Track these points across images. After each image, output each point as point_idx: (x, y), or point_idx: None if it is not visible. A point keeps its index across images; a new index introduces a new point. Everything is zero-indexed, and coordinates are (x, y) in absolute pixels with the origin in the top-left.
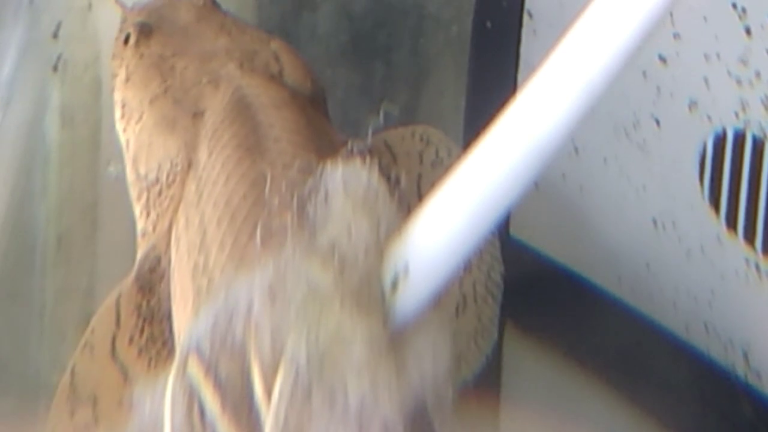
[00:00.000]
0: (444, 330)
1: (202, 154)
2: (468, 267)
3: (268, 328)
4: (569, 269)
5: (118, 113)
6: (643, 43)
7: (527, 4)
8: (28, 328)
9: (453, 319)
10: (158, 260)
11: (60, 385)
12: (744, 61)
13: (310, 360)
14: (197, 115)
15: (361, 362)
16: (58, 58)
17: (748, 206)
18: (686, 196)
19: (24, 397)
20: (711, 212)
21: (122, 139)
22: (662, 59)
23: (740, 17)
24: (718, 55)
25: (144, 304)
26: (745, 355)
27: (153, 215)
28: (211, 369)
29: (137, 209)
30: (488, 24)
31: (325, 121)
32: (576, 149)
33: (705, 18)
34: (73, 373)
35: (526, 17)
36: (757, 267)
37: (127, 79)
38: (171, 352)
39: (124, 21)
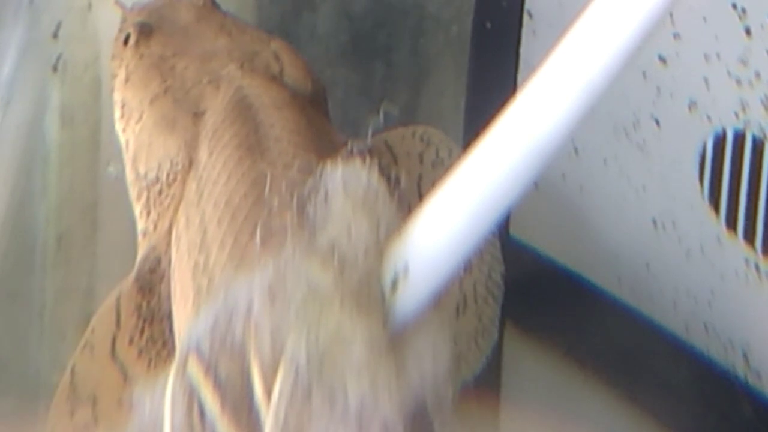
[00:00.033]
0: (444, 330)
1: (203, 154)
2: (468, 267)
3: (267, 328)
4: (569, 269)
5: (117, 113)
6: (643, 43)
7: (527, 4)
8: (28, 328)
9: (453, 319)
10: (158, 261)
11: (60, 385)
12: (744, 62)
13: (310, 360)
14: (198, 115)
15: (360, 362)
16: (58, 58)
17: (748, 206)
18: (686, 196)
19: (24, 397)
20: (711, 212)
21: (122, 139)
22: (662, 59)
23: (740, 17)
24: (718, 56)
25: (144, 304)
26: (745, 356)
27: (153, 214)
28: (210, 369)
29: (137, 209)
30: (488, 24)
31: (325, 121)
32: (576, 149)
33: (705, 18)
34: (73, 373)
35: (526, 17)
36: (757, 267)
37: (127, 80)
38: (171, 352)
39: (123, 21)
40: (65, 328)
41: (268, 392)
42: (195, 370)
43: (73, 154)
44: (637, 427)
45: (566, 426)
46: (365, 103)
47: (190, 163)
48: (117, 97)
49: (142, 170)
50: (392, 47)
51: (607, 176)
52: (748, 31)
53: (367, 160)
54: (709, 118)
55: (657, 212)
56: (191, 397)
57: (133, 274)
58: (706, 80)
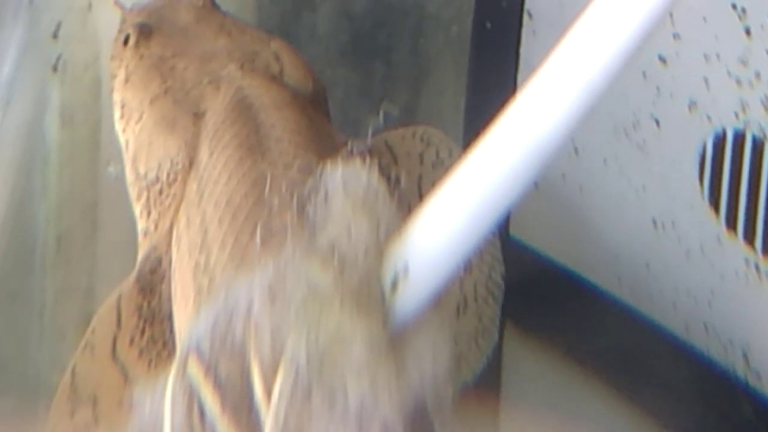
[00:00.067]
0: (444, 330)
1: (204, 154)
2: (469, 267)
3: (268, 328)
4: (569, 269)
5: (117, 114)
6: (643, 44)
7: (527, 5)
8: (28, 328)
9: (454, 319)
10: (159, 261)
11: (60, 385)
12: (744, 62)
13: (310, 360)
14: (198, 116)
15: (360, 362)
16: (58, 58)
17: (748, 206)
18: (686, 196)
19: (24, 397)
20: (711, 212)
21: (121, 139)
22: (662, 59)
23: (740, 18)
24: (717, 56)
25: (145, 305)
26: (745, 356)
27: (154, 214)
28: (210, 369)
29: (137, 209)
30: (488, 24)
31: (325, 121)
32: (576, 149)
33: (705, 18)
34: (73, 373)
35: (526, 17)
36: (757, 267)
37: (127, 80)
38: (171, 353)
39: (123, 22)
40: (65, 328)
41: (268, 392)
42: (195, 370)
43: (73, 154)
44: (637, 427)
45: (566, 426)
46: (365, 103)
47: (191, 163)
48: (117, 97)
49: (142, 170)
50: (392, 47)
51: (607, 176)
52: (748, 32)
53: (367, 160)
54: (709, 118)
55: (657, 212)
56: (191, 397)
57: (133, 275)
58: (706, 80)
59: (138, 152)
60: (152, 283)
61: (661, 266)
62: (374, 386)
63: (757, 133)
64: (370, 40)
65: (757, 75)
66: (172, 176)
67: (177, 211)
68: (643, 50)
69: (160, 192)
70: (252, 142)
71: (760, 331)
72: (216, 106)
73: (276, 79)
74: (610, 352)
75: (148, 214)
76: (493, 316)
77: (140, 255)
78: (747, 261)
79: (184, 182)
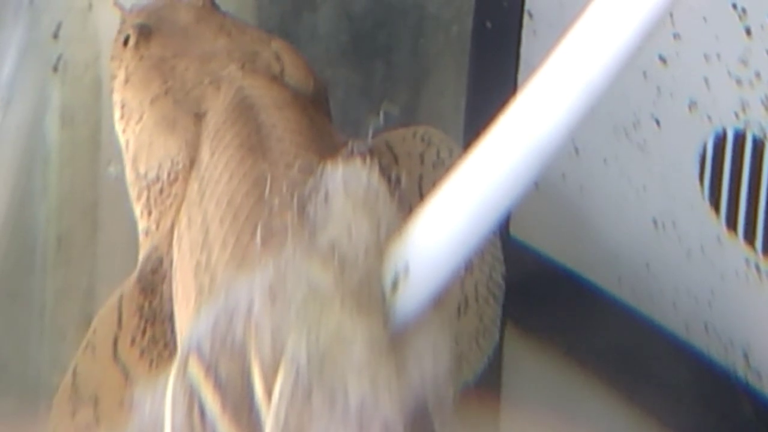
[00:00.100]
0: (444, 330)
1: (205, 154)
2: (469, 267)
3: (268, 328)
4: (569, 269)
5: (117, 114)
6: (643, 44)
7: (527, 5)
8: (28, 328)
9: (454, 319)
10: (160, 261)
11: (62, 385)
12: (744, 62)
13: (311, 360)
14: (199, 116)
15: (361, 362)
16: (59, 58)
17: (748, 206)
18: (686, 196)
19: (24, 397)
20: (711, 212)
21: (122, 139)
22: (662, 59)
23: (740, 17)
24: (718, 56)
25: (146, 305)
26: (745, 356)
27: (155, 213)
28: (211, 369)
29: (137, 209)
30: (488, 24)
31: (326, 121)
32: (576, 149)
33: (705, 18)
34: (74, 373)
35: (526, 17)
36: (757, 267)
37: (127, 80)
38: (173, 353)
39: (122, 23)
40: (65, 329)
41: (269, 392)
42: (195, 370)
43: (73, 154)
44: (637, 427)
45: (566, 426)
46: (365, 103)
47: (191, 162)
48: (117, 98)
49: (142, 170)
50: (392, 47)
51: (608, 176)
52: (748, 32)
53: (368, 160)
54: (709, 118)
55: (657, 212)
56: (192, 397)
57: (135, 275)
58: (706, 80)
59: (138, 152)
60: (153, 283)
61: (662, 266)
62: (375, 386)
63: (758, 133)
64: (370, 40)
65: (758, 75)
66: (172, 176)
67: (178, 210)
68: (644, 50)
69: (161, 191)
70: (253, 142)
71: (760, 331)
72: (217, 107)
73: (277, 79)
74: (610, 352)
75: (149, 213)
76: (494, 316)
77: (141, 255)
78: (747, 261)
79: (185, 182)
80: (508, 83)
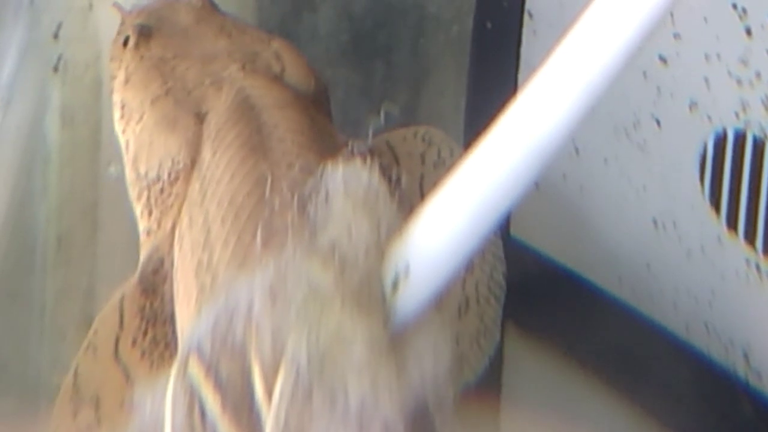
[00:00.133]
0: (445, 330)
1: (206, 154)
2: (470, 267)
3: (268, 328)
4: (570, 269)
5: (117, 114)
6: (643, 43)
7: (527, 5)
8: (28, 328)
9: (455, 319)
10: (161, 262)
11: (63, 386)
12: (744, 62)
13: (311, 360)
14: (200, 116)
15: (361, 363)
16: (59, 58)
17: (749, 206)
18: (687, 196)
19: (24, 397)
20: (711, 212)
21: (122, 140)
22: (662, 59)
23: (741, 17)
24: (718, 56)
25: (147, 306)
26: (746, 356)
27: (156, 213)
28: (211, 369)
29: (138, 209)
30: (488, 24)
31: (327, 121)
32: (576, 149)
33: (705, 18)
34: (76, 373)
35: (526, 17)
36: (758, 267)
37: (127, 81)
38: (174, 354)
39: (122, 23)
40: (65, 329)
41: (269, 392)
42: (196, 370)
43: (73, 154)
44: (637, 427)
45: (566, 426)
46: (366, 103)
47: (192, 162)
48: (116, 98)
49: (142, 169)
50: (392, 47)
51: (608, 176)
52: (748, 31)
53: (368, 160)
54: (709, 118)
55: (657, 212)
56: (192, 397)
57: (136, 276)
58: (706, 80)
59: (139, 152)
60: (155, 284)
61: (662, 266)
62: (375, 386)
63: (758, 133)
64: (370, 40)
65: (758, 75)
66: (173, 175)
67: (179, 210)
68: (644, 50)
69: (161, 191)
70: (254, 142)
71: (760, 331)
72: (218, 107)
73: (278, 79)
74: (610, 352)
75: (149, 213)
76: (495, 316)
77: (142, 255)
78: (748, 261)
79: (186, 181)
80: (508, 83)
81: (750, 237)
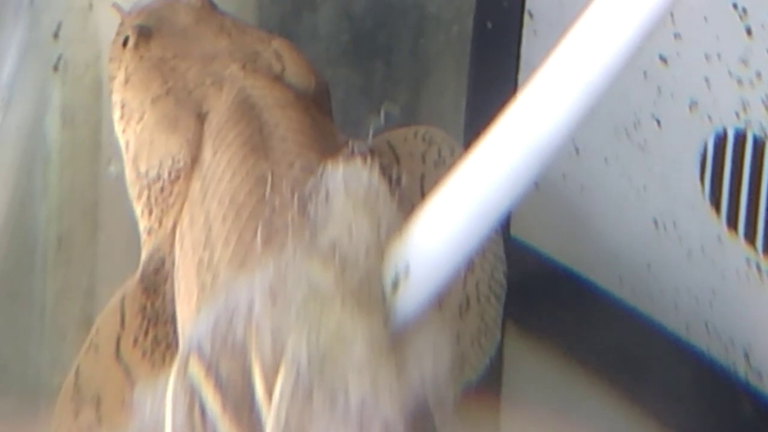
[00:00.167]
0: (445, 330)
1: (207, 153)
2: (471, 266)
3: (268, 328)
4: (570, 269)
5: (117, 114)
6: (643, 43)
7: (528, 5)
8: (28, 328)
9: (456, 318)
10: (162, 261)
11: (64, 385)
12: (745, 61)
13: (311, 360)
14: (201, 116)
15: (361, 362)
16: (59, 58)
17: (749, 206)
18: (687, 196)
19: (24, 397)
20: (712, 212)
21: (122, 140)
22: (663, 59)
23: (741, 17)
24: (718, 55)
25: (148, 305)
26: (746, 355)
27: (156, 212)
28: (212, 369)
29: (138, 208)
30: (489, 24)
31: (328, 121)
32: (577, 149)
33: (705, 18)
34: (77, 373)
35: (526, 17)
36: (758, 267)
37: (127, 81)
38: (175, 354)
39: (121, 24)
40: (66, 329)
41: (270, 392)
42: (196, 370)
43: (73, 154)
44: (637, 427)
45: (566, 426)
46: (366, 103)
47: (193, 161)
48: (116, 98)
49: (143, 168)
50: (392, 47)
51: (608, 176)
52: (748, 31)
53: (369, 160)
54: (710, 117)
55: (658, 212)
56: (192, 397)
57: (137, 275)
58: (707, 80)
59: (139, 151)
60: (156, 284)
61: (662, 266)
62: (375, 386)
63: (758, 133)
64: (370, 40)
65: (758, 75)
66: (174, 174)
67: (180, 209)
68: (644, 50)
69: (162, 190)
70: (255, 141)
71: (761, 330)
72: (219, 107)
73: (278, 78)
74: (610, 352)
75: (150, 212)
76: (496, 315)
77: (144, 255)
78: (748, 261)
79: (187, 180)
80: (508, 83)
81: (750, 236)
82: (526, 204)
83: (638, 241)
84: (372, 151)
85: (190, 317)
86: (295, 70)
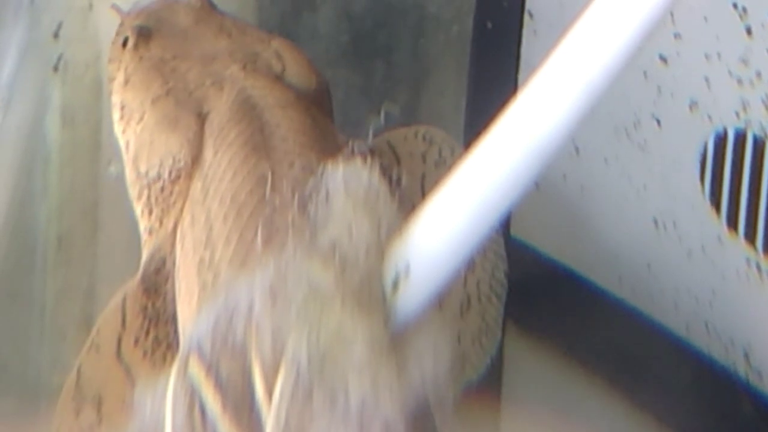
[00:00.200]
0: (445, 330)
1: (208, 153)
2: (472, 265)
3: (269, 328)
4: (570, 269)
5: (116, 115)
6: (643, 43)
7: (528, 4)
8: (28, 328)
9: (457, 318)
10: (163, 261)
11: (65, 385)
12: (745, 61)
13: (311, 360)
14: (201, 117)
15: (362, 362)
16: (59, 58)
17: (749, 206)
18: (687, 196)
19: (24, 397)
20: (712, 212)
21: (121, 141)
22: (663, 59)
23: (741, 17)
24: (718, 55)
25: (150, 305)
26: (746, 355)
27: (156, 211)
28: (212, 369)
29: (138, 208)
30: (489, 24)
31: (328, 121)
32: (577, 149)
33: (706, 18)
34: (78, 373)
35: (526, 17)
36: (758, 267)
37: (126, 82)
38: (175, 354)
39: (121, 25)
40: (66, 329)
41: (270, 392)
42: (196, 370)
43: (74, 154)
44: (637, 427)
45: (566, 426)
46: (366, 103)
47: (194, 160)
48: (116, 99)
49: (143, 168)
50: (392, 47)
51: (608, 176)
52: (749, 31)
53: (369, 159)
54: (710, 117)
55: (658, 212)
56: (192, 397)
57: (138, 275)
58: (707, 80)
59: (139, 151)
60: (157, 284)
61: (662, 266)
62: (375, 386)
63: (758, 133)
64: (370, 40)
65: (758, 74)
66: (174, 174)
67: (181, 209)
68: (644, 50)
69: (162, 190)
70: (257, 141)
71: (761, 330)
72: (220, 107)
73: (279, 79)
74: (610, 352)
75: (150, 212)
76: (497, 315)
77: (144, 255)
78: (748, 260)
79: (187, 180)
80: (508, 83)
81: (750, 236)
82: (526, 204)
83: (638, 241)
84: (372, 151)
85: (191, 317)
86: (295, 70)
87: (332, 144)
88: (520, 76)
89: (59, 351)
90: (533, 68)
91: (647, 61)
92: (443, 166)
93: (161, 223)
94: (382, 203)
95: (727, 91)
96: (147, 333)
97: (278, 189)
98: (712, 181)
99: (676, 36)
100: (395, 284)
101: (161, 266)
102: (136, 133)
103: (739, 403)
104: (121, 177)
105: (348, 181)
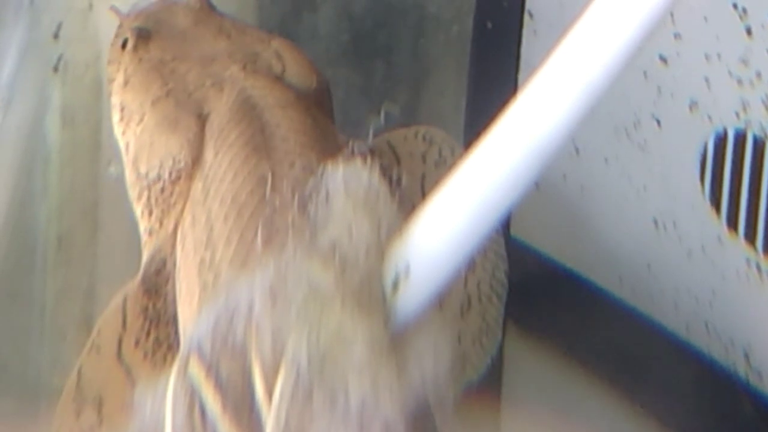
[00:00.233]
0: (445, 330)
1: (209, 154)
2: (472, 265)
3: (269, 328)
4: (570, 269)
5: (116, 117)
6: (643, 43)
7: (528, 5)
8: (28, 328)
9: (457, 318)
10: (164, 262)
11: (66, 386)
12: (745, 61)
13: (311, 360)
14: (201, 117)
15: (362, 363)
16: (59, 58)
17: (749, 206)
18: (687, 196)
19: (24, 397)
20: (712, 212)
21: (121, 142)
22: (663, 59)
23: (741, 17)
24: (718, 55)
25: (150, 306)
26: (746, 355)
27: (156, 212)
28: (212, 369)
29: (138, 209)
30: (489, 24)
31: (329, 121)
32: (577, 149)
33: (706, 18)
34: (79, 374)
35: (526, 17)
36: (758, 267)
37: (126, 83)
38: (176, 355)
39: (120, 26)
40: (66, 329)
41: (270, 393)
42: (196, 370)
43: (73, 154)
44: (637, 427)
45: (566, 426)
46: (366, 103)
47: (194, 161)
48: (115, 100)
49: (143, 169)
50: (392, 47)
51: (608, 176)
52: (749, 31)
53: (369, 160)
54: (710, 117)
55: (658, 212)
56: (192, 397)
57: (139, 276)
58: (707, 80)
59: (139, 152)
60: (157, 285)
61: (662, 266)
62: (375, 386)
63: (758, 133)
64: (370, 40)
65: (758, 75)
66: (174, 174)
67: (182, 210)
68: (644, 50)
69: (162, 190)
70: (257, 141)
71: (761, 330)
72: (220, 108)
73: (279, 79)
74: (610, 352)
75: (150, 213)
76: (497, 315)
77: (145, 256)
78: (748, 261)
79: (188, 181)
80: (508, 83)
81: (750, 237)
82: (526, 204)
83: (638, 241)
84: (372, 151)
85: (192, 317)
86: (295, 70)
87: (332, 144)
88: (520, 76)
89: (59, 351)
90: (533, 68)
91: (647, 61)
92: (443, 166)
93: (161, 224)
94: (382, 203)
95: (727, 92)
96: (148, 334)
97: (279, 189)
98: (712, 181)
99: (676, 36)
100: (395, 284)
101: (162, 267)
102: (136, 135)
103: (739, 403)
104: (120, 177)
105: (348, 182)
